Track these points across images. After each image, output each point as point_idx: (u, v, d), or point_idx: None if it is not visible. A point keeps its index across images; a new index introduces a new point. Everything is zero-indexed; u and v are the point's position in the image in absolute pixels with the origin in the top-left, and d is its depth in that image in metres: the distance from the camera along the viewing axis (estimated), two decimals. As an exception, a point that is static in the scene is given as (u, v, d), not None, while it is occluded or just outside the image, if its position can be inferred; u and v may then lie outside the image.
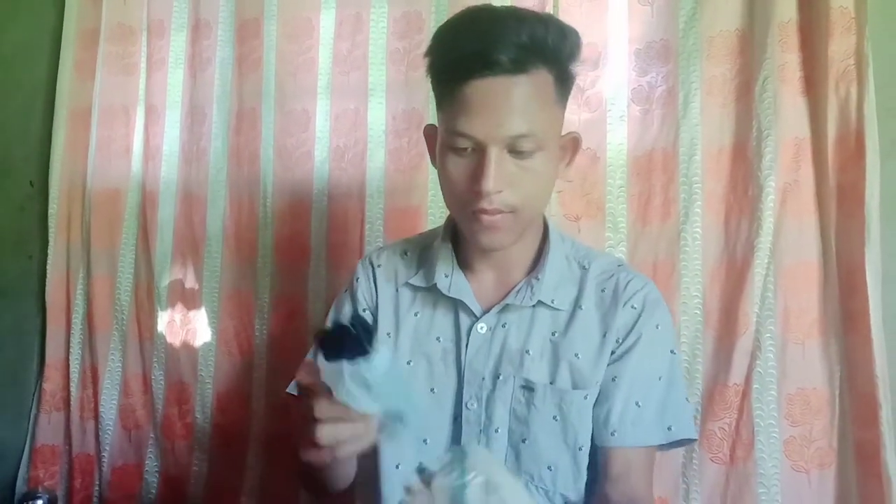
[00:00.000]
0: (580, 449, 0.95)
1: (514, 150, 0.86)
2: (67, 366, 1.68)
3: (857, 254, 1.20)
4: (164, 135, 1.66)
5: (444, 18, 1.42)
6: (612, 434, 0.95)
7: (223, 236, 1.60)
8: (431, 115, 1.45)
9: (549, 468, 0.93)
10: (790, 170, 1.28)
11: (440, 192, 1.43)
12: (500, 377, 0.96)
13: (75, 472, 1.65)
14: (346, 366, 0.66)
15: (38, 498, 1.55)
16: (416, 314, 1.03)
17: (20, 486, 1.67)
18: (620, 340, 0.97)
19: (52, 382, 1.68)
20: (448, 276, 1.00)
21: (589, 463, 0.97)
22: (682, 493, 1.30)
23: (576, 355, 0.96)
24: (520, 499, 0.58)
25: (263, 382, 1.54)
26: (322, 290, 1.50)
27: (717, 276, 1.32)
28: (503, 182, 0.86)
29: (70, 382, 1.67)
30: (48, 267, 1.69)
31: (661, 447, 0.99)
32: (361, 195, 1.50)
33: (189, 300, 1.61)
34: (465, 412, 0.96)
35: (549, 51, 0.87)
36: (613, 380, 0.96)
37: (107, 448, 1.64)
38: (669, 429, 0.96)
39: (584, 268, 1.02)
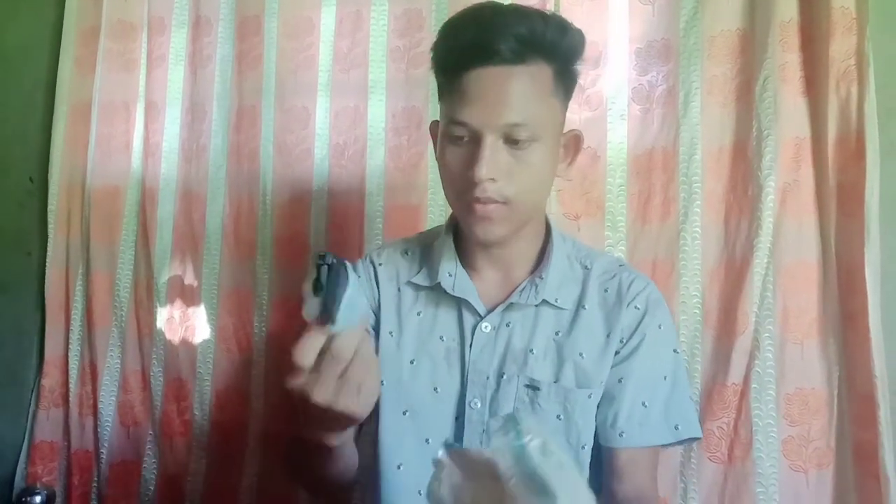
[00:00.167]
0: (583, 447, 0.96)
1: (510, 140, 0.88)
2: (66, 362, 1.68)
3: (857, 254, 1.20)
4: (163, 132, 1.65)
5: (444, 16, 1.44)
6: (621, 435, 0.96)
7: (222, 233, 1.60)
8: (431, 113, 1.46)
9: None
10: (790, 169, 1.28)
11: (440, 191, 1.44)
12: (505, 376, 0.96)
13: (74, 469, 1.65)
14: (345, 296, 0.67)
15: (37, 494, 1.55)
16: (418, 313, 1.03)
17: (18, 483, 1.67)
18: (625, 341, 0.98)
19: (50, 379, 1.68)
20: (452, 276, 1.00)
21: (591, 460, 0.98)
22: (680, 492, 1.30)
23: (580, 355, 0.96)
24: (571, 465, 0.59)
25: (262, 380, 1.54)
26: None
27: (717, 275, 1.32)
28: (497, 171, 0.87)
29: (69, 379, 1.67)
30: (47, 263, 1.69)
31: (666, 444, 1.00)
32: (361, 193, 1.50)
33: (188, 297, 1.61)
34: (468, 411, 0.96)
35: (548, 45, 0.88)
36: (620, 381, 0.97)
37: (105, 445, 1.64)
38: (676, 428, 0.97)
39: (586, 268, 1.03)
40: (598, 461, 0.99)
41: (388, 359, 1.01)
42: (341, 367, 0.67)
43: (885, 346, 1.19)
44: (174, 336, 1.61)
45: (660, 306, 1.01)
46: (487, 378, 0.96)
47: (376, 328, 1.04)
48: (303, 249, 1.52)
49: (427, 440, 0.96)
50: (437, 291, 1.02)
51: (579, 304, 1.00)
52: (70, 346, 1.68)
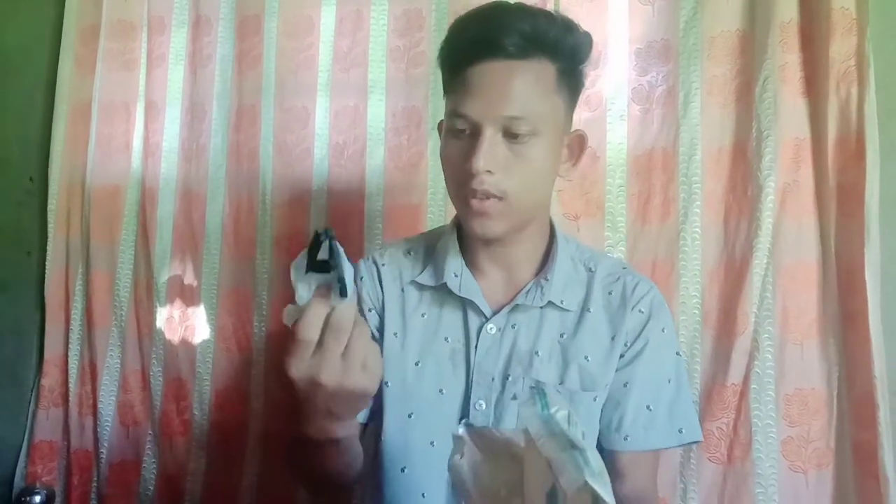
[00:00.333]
0: None
1: (509, 134, 0.88)
2: (66, 362, 1.68)
3: (857, 254, 1.20)
4: (163, 131, 1.65)
5: (444, 16, 1.44)
6: (626, 439, 0.96)
7: (222, 233, 1.60)
8: (432, 113, 1.46)
9: None
10: (790, 170, 1.28)
11: (439, 190, 1.45)
12: (510, 378, 0.96)
13: (73, 469, 1.65)
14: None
15: (36, 493, 1.55)
16: (423, 314, 1.02)
17: (18, 482, 1.66)
18: (629, 344, 0.98)
19: (50, 378, 1.68)
20: (458, 276, 1.00)
21: None
22: (679, 493, 1.30)
23: (585, 357, 0.97)
24: (587, 432, 0.60)
25: (261, 380, 1.54)
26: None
27: (716, 275, 1.32)
28: (494, 163, 0.88)
29: (69, 378, 1.67)
30: (47, 263, 1.69)
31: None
32: (361, 192, 1.50)
33: (188, 297, 1.61)
34: (472, 413, 0.95)
35: (551, 43, 0.89)
36: (625, 385, 0.97)
37: (105, 444, 1.63)
38: (681, 431, 0.98)
39: (590, 270, 1.04)
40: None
41: (393, 360, 1.00)
42: (344, 340, 0.67)
43: (885, 347, 1.19)
44: (174, 336, 1.61)
45: (663, 310, 1.02)
46: (493, 380, 0.96)
47: (380, 329, 1.03)
48: (302, 249, 1.52)
49: (432, 443, 0.96)
50: (441, 292, 1.02)
51: (584, 307, 1.00)
52: (70, 346, 1.68)
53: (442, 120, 1.02)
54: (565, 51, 0.91)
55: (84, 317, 1.68)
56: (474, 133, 0.89)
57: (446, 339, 1.00)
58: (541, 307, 0.98)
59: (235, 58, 1.61)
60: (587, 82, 1.00)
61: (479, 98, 0.88)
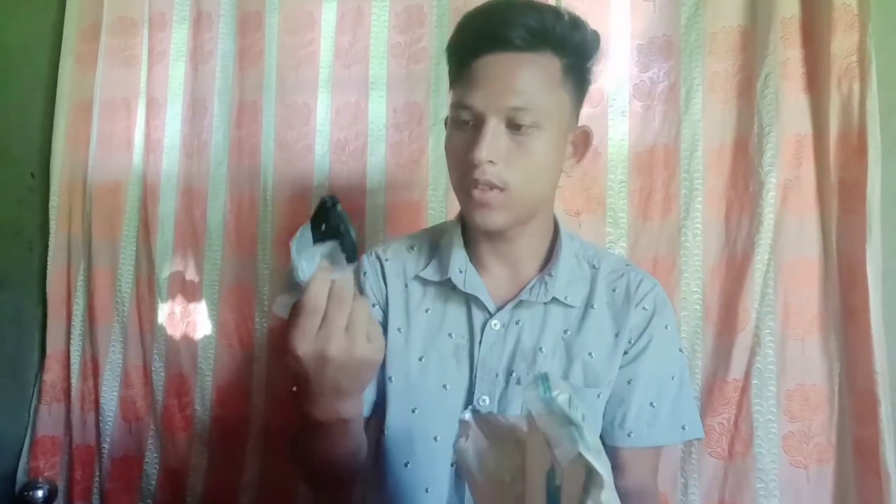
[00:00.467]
0: None
1: (512, 125, 0.88)
2: (68, 357, 1.68)
3: (858, 250, 1.20)
4: (165, 128, 1.65)
5: (445, 12, 1.45)
6: (629, 435, 0.97)
7: (224, 229, 1.60)
8: (433, 109, 1.46)
9: None
10: (791, 166, 1.28)
11: (440, 187, 1.45)
12: (514, 374, 0.96)
13: (76, 464, 1.66)
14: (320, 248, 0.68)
15: (39, 488, 1.56)
16: (427, 310, 1.03)
17: (21, 477, 1.67)
18: (633, 341, 0.99)
19: (52, 374, 1.68)
20: (462, 272, 1.00)
21: None
22: (680, 488, 1.31)
23: (589, 354, 0.97)
24: (588, 418, 0.63)
25: (263, 375, 1.54)
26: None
27: (718, 272, 1.32)
28: (496, 154, 0.88)
29: (70, 374, 1.67)
30: (49, 258, 1.69)
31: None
32: (362, 189, 1.50)
33: (189, 293, 1.61)
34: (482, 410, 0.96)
35: (557, 37, 0.90)
36: (629, 382, 0.98)
37: (107, 440, 1.64)
38: (683, 428, 0.99)
39: (594, 267, 1.04)
40: None
41: (397, 355, 1.01)
42: (347, 311, 0.67)
43: (886, 343, 1.19)
44: (175, 331, 1.61)
45: (666, 307, 1.02)
46: (496, 376, 0.97)
47: (384, 324, 1.03)
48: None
49: (435, 438, 0.96)
50: (445, 287, 1.02)
51: (588, 304, 1.00)
52: (72, 342, 1.68)
53: (447, 117, 1.03)
54: (571, 46, 0.91)
55: (86, 312, 1.68)
56: (478, 124, 0.89)
57: (450, 334, 1.00)
58: (545, 303, 0.99)
59: (236, 54, 1.60)
60: (590, 79, 1.00)
61: (483, 89, 0.89)
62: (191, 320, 1.61)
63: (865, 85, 1.22)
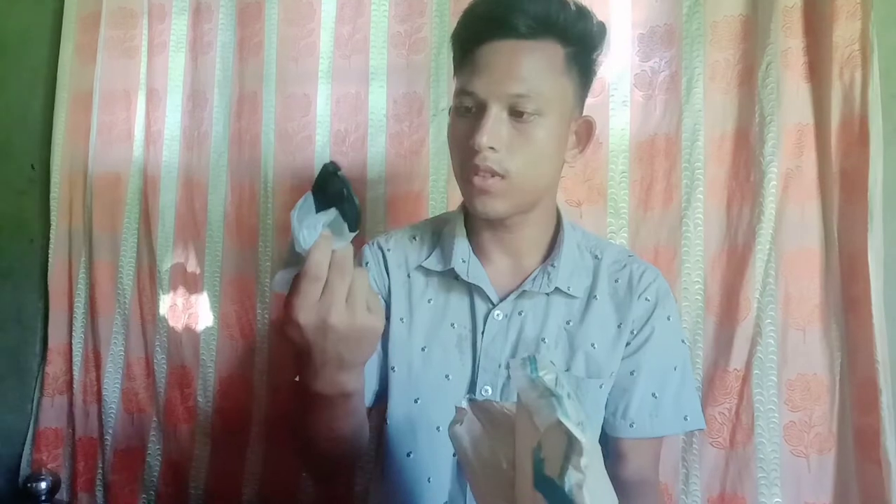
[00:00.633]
0: None
1: (514, 112, 0.88)
2: (70, 350, 1.68)
3: (860, 240, 1.20)
4: (165, 119, 1.65)
5: (445, 2, 1.45)
6: (632, 426, 0.98)
7: (224, 221, 1.60)
8: (433, 99, 1.45)
9: None
10: (793, 156, 1.28)
11: (441, 178, 1.45)
12: (532, 356, 0.96)
13: (78, 455, 1.66)
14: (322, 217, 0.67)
15: (42, 480, 1.56)
16: (429, 300, 1.03)
17: (24, 469, 1.68)
18: (635, 332, 0.99)
19: (54, 366, 1.69)
20: (465, 262, 1.00)
21: None
22: (681, 478, 1.31)
23: (592, 345, 0.97)
24: (578, 399, 0.64)
25: (265, 367, 1.54)
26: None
27: (719, 261, 1.32)
28: (498, 140, 0.88)
29: (73, 366, 1.67)
30: (50, 251, 1.69)
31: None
32: (362, 180, 1.50)
33: (191, 285, 1.62)
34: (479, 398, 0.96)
35: (561, 25, 0.90)
36: (631, 373, 0.98)
37: (110, 431, 1.64)
38: (686, 418, 0.99)
39: (596, 257, 1.04)
40: (605, 446, 1.01)
41: (400, 345, 1.01)
42: (348, 280, 0.66)
43: (888, 332, 1.19)
44: (177, 323, 1.61)
45: (668, 297, 1.03)
46: (499, 366, 0.97)
47: (387, 314, 1.03)
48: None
49: (438, 428, 0.97)
50: (448, 278, 1.02)
51: (591, 294, 1.00)
52: (74, 334, 1.68)
53: (450, 107, 1.03)
54: (576, 35, 0.91)
55: (87, 305, 1.68)
56: (480, 111, 0.89)
57: (453, 324, 1.00)
58: (547, 294, 0.99)
59: (236, 45, 1.60)
60: (595, 69, 1.00)
61: (485, 76, 0.89)
62: (192, 312, 1.61)
63: (867, 74, 1.21)
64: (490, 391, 0.96)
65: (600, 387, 0.97)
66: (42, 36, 1.75)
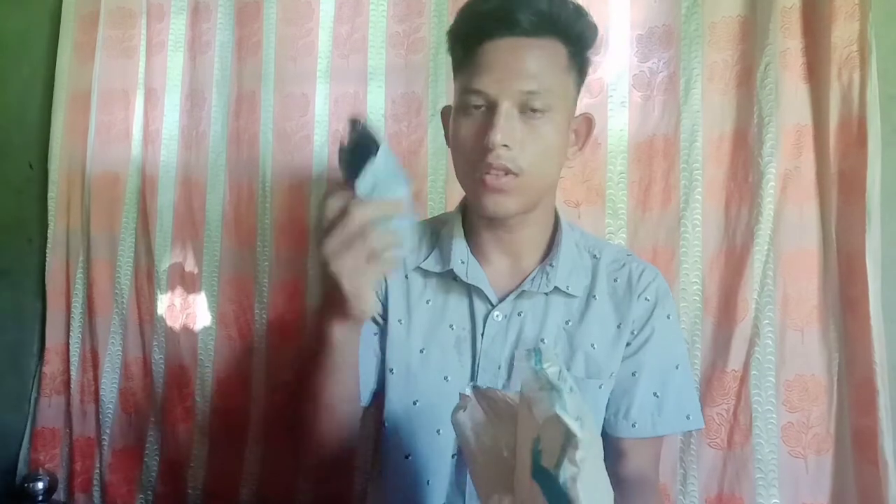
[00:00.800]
0: None
1: (524, 109, 0.88)
2: (67, 349, 1.68)
3: (858, 241, 1.20)
4: (163, 119, 1.64)
5: (444, 1, 1.44)
6: (633, 426, 0.98)
7: (223, 220, 1.60)
8: (432, 99, 1.45)
9: None
10: (791, 157, 1.28)
11: (439, 178, 1.45)
12: (537, 348, 0.96)
13: (76, 455, 1.66)
14: (382, 154, 0.73)
15: (39, 480, 1.56)
16: (427, 301, 1.03)
17: (21, 469, 1.67)
18: (636, 333, 0.99)
19: (52, 366, 1.68)
20: (464, 263, 1.00)
21: None
22: (679, 479, 1.31)
23: (591, 345, 0.97)
24: (580, 393, 0.65)
25: (263, 366, 1.54)
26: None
27: (717, 262, 1.32)
28: (511, 138, 0.88)
29: (70, 366, 1.67)
30: (48, 251, 1.69)
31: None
32: (361, 179, 1.50)
33: (189, 284, 1.61)
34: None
35: (563, 24, 0.90)
36: (633, 374, 0.98)
37: (107, 431, 1.64)
38: (688, 417, 1.00)
39: (595, 257, 1.04)
40: (605, 445, 1.01)
41: (398, 347, 1.01)
42: (369, 248, 0.72)
43: (886, 333, 1.19)
44: (175, 323, 1.61)
45: (668, 297, 1.03)
46: (499, 367, 0.97)
47: (384, 316, 1.03)
48: (303, 236, 1.52)
49: (438, 430, 0.96)
50: (446, 279, 1.02)
51: (590, 294, 1.00)
52: (71, 334, 1.68)
53: (446, 106, 1.03)
54: (575, 34, 0.92)
55: (85, 304, 1.68)
56: (489, 108, 0.89)
57: (451, 326, 1.00)
58: (546, 294, 0.99)
59: (235, 44, 1.60)
60: (588, 69, 1.00)
61: (494, 74, 0.88)
62: (190, 312, 1.61)
63: (866, 74, 1.21)
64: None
65: (600, 387, 0.97)
66: (40, 35, 1.75)
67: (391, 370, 1.00)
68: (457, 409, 0.72)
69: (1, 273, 1.76)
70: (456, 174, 0.98)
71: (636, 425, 0.98)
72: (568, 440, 0.53)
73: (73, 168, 1.69)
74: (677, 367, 1.01)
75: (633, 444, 0.99)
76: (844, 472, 1.24)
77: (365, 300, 0.75)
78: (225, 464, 1.55)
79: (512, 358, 0.97)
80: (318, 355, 0.85)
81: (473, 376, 0.97)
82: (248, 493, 1.53)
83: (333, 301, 0.77)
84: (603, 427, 1.00)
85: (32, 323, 1.72)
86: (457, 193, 1.00)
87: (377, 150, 0.72)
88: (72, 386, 1.66)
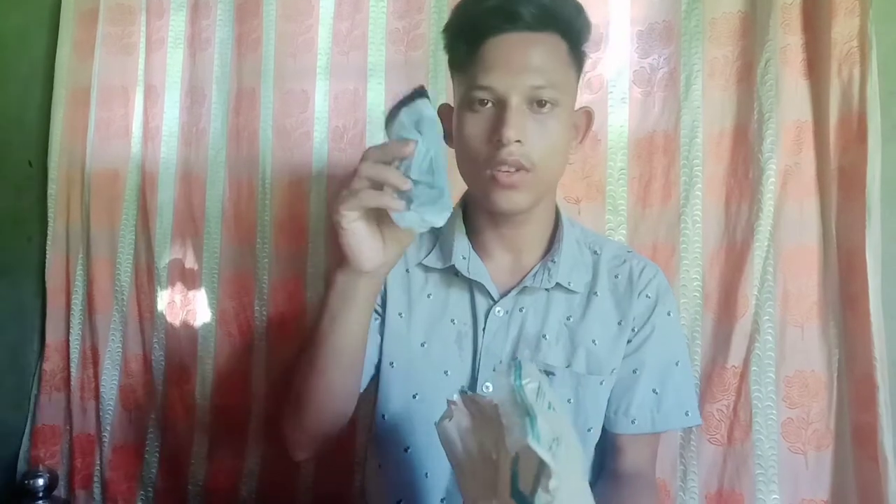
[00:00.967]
0: (589, 430, 0.98)
1: (533, 103, 0.89)
2: (68, 346, 1.68)
3: (858, 237, 1.20)
4: (163, 115, 1.64)
5: (444, -2, 1.43)
6: (633, 422, 0.98)
7: (222, 217, 1.60)
8: (431, 96, 1.44)
9: None
10: (791, 153, 1.28)
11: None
12: (517, 361, 0.96)
13: (76, 452, 1.66)
14: (404, 109, 0.79)
15: (40, 477, 1.55)
16: (428, 296, 1.03)
17: (21, 466, 1.67)
18: (636, 330, 0.99)
19: (52, 363, 1.68)
20: (466, 258, 1.00)
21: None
22: (679, 475, 1.31)
23: (593, 342, 0.97)
24: (561, 409, 0.66)
25: (263, 363, 1.54)
26: (321, 270, 1.50)
27: (717, 258, 1.32)
28: (522, 133, 0.88)
29: (70, 363, 1.67)
30: (48, 248, 1.69)
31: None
32: (361, 176, 1.50)
33: (189, 281, 1.61)
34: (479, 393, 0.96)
35: (564, 19, 0.91)
36: (634, 371, 0.99)
37: (107, 428, 1.64)
38: (687, 414, 1.00)
39: (595, 253, 1.04)
40: (603, 441, 1.02)
41: (399, 340, 1.01)
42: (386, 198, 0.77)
43: (885, 329, 1.19)
44: (175, 320, 1.61)
45: (668, 293, 1.03)
46: (500, 363, 0.97)
47: (382, 307, 1.03)
48: (302, 233, 1.52)
49: (436, 424, 0.97)
50: (448, 274, 1.02)
51: (591, 290, 1.01)
52: (71, 331, 1.68)
53: (443, 104, 1.02)
54: (575, 29, 0.93)
55: (85, 302, 1.68)
56: (497, 105, 0.89)
57: (453, 321, 1.00)
58: (548, 290, 0.99)
59: (234, 41, 1.60)
60: (589, 65, 1.01)
61: (501, 70, 0.88)
62: (190, 309, 1.61)
63: (866, 71, 1.21)
64: (491, 388, 0.96)
65: (601, 384, 0.98)
66: (40, 32, 1.74)
67: (391, 364, 1.00)
68: (442, 418, 0.72)
69: (1, 270, 1.75)
70: (460, 171, 0.97)
71: (635, 422, 0.98)
72: (541, 470, 0.53)
73: (73, 165, 1.68)
74: (677, 364, 1.01)
75: (631, 440, 0.99)
76: (844, 468, 1.24)
77: (357, 251, 0.80)
78: (225, 460, 1.55)
79: (513, 353, 0.97)
80: (323, 301, 0.87)
81: (474, 371, 0.97)
82: (249, 489, 1.53)
83: (340, 249, 0.82)
84: (604, 425, 1.00)
85: (32, 320, 1.72)
86: (456, 190, 1.00)
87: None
88: (72, 383, 1.66)
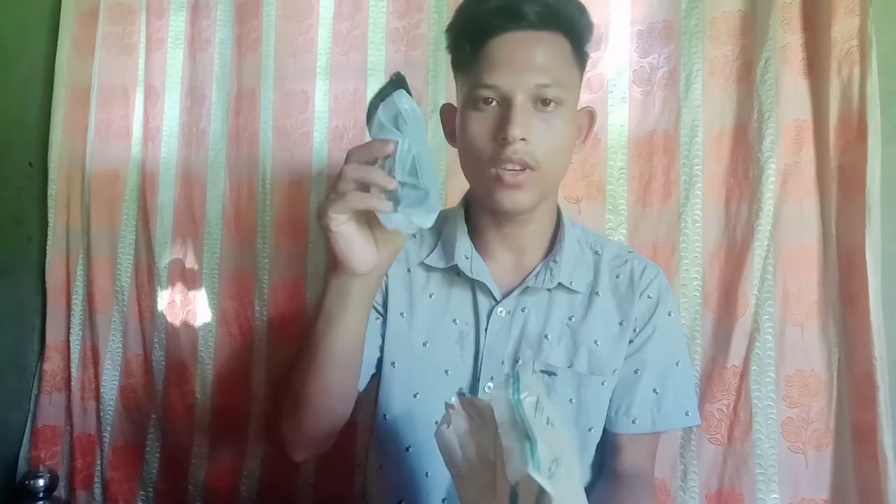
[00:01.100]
0: (590, 430, 0.98)
1: (538, 102, 0.89)
2: (68, 346, 1.68)
3: (858, 236, 1.20)
4: (163, 115, 1.64)
5: (444, -2, 1.43)
6: (634, 422, 0.98)
7: (223, 217, 1.60)
8: (431, 96, 1.45)
9: None
10: (791, 152, 1.28)
11: (438, 174, 1.44)
12: (520, 361, 0.97)
13: (76, 453, 1.66)
14: (381, 106, 0.77)
15: (40, 477, 1.55)
16: (430, 295, 1.02)
17: (22, 466, 1.67)
18: (638, 330, 1.00)
19: (52, 363, 1.68)
20: (468, 258, 1.00)
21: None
22: (679, 474, 1.31)
23: (595, 342, 0.97)
24: (560, 423, 0.66)
25: (264, 363, 1.54)
26: (321, 270, 1.50)
27: (717, 258, 1.32)
28: (528, 132, 0.88)
29: (71, 363, 1.67)
30: (48, 248, 1.69)
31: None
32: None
33: (189, 281, 1.61)
34: (481, 395, 0.96)
35: (567, 19, 0.91)
36: (636, 372, 0.99)
37: (108, 428, 1.64)
38: (687, 414, 1.00)
39: (597, 253, 1.04)
40: (603, 441, 1.02)
41: (400, 340, 1.01)
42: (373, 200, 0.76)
43: (885, 329, 1.19)
44: (175, 320, 1.61)
45: (669, 294, 1.03)
46: (502, 363, 0.97)
47: (384, 306, 1.03)
48: (302, 233, 1.52)
49: (437, 423, 0.97)
50: (450, 274, 1.02)
51: (593, 290, 1.01)
52: (71, 331, 1.68)
53: (445, 104, 1.03)
54: (578, 29, 0.93)
55: (85, 302, 1.68)
56: (503, 103, 0.89)
57: (454, 320, 1.00)
58: (549, 290, 0.99)
59: (234, 41, 1.60)
60: (589, 64, 1.01)
61: (506, 68, 0.88)
62: (191, 309, 1.61)
63: (866, 70, 1.21)
64: (493, 388, 0.96)
65: (602, 384, 0.98)
66: (40, 32, 1.74)
67: (393, 363, 1.00)
68: (440, 424, 0.71)
69: (1, 270, 1.75)
70: (463, 170, 0.97)
71: (636, 421, 0.98)
72: (541, 498, 0.53)
73: (73, 165, 1.68)
74: (677, 364, 1.01)
75: (630, 440, 1.00)
76: (844, 468, 1.24)
77: (348, 254, 0.80)
78: (226, 460, 1.55)
79: (515, 353, 0.97)
80: (319, 303, 0.87)
81: (476, 371, 0.98)
82: (249, 489, 1.53)
83: (330, 252, 0.82)
84: (605, 425, 1.00)
85: (33, 320, 1.72)
86: (457, 189, 1.00)
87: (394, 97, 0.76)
88: (72, 383, 1.66)
